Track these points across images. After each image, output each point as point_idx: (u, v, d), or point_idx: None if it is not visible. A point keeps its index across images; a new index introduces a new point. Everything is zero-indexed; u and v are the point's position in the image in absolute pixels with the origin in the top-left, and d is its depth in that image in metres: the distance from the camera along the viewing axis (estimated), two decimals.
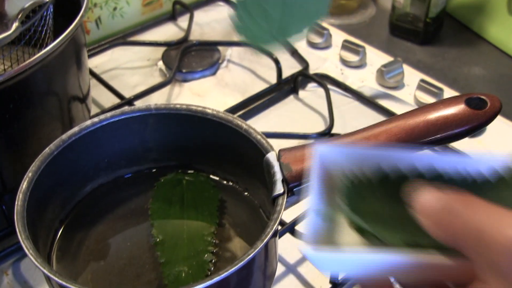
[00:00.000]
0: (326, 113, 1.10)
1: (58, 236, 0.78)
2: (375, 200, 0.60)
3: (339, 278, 0.83)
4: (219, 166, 0.84)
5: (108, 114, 0.78)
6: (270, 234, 0.64)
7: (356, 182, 0.61)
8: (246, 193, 0.82)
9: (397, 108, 1.11)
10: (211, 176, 0.85)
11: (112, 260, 0.77)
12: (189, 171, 0.85)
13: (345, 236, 0.57)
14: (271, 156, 0.71)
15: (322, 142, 0.63)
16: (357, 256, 0.51)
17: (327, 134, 1.02)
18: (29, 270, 0.86)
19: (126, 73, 1.21)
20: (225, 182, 0.85)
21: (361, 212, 0.59)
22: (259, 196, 0.80)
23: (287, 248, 0.86)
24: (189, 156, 0.84)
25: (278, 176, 0.69)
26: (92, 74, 1.15)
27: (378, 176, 0.61)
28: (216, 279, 0.60)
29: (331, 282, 0.83)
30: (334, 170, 0.62)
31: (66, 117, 0.90)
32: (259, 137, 0.74)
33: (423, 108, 0.71)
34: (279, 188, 0.68)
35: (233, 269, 0.61)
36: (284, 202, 0.67)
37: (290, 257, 0.87)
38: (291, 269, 0.86)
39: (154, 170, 0.86)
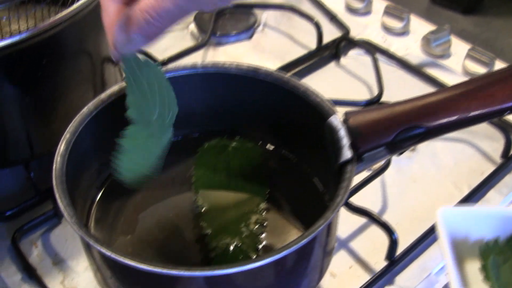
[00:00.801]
0: (370, 80, 1.04)
1: (95, 205, 0.72)
2: None
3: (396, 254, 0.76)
4: (269, 132, 0.77)
5: None
6: (341, 204, 0.57)
7: (491, 247, 0.57)
8: (298, 161, 0.76)
9: (445, 78, 1.04)
10: (259, 142, 0.78)
11: (153, 232, 0.71)
12: (236, 137, 0.78)
13: None
14: (335, 120, 0.64)
15: (448, 207, 0.58)
16: None
17: (376, 102, 0.95)
18: (60, 242, 0.80)
19: None
20: (274, 148, 0.78)
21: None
22: (314, 164, 0.73)
23: (339, 221, 0.79)
24: (235, 120, 0.78)
25: (345, 141, 0.62)
26: None
27: None
28: (289, 250, 0.55)
29: (387, 258, 0.76)
30: (464, 235, 0.58)
31: (99, 79, 0.85)
32: (318, 99, 0.68)
33: (495, 73, 0.65)
34: (347, 154, 0.61)
35: (302, 242, 0.55)
36: (354, 169, 0.60)
37: (342, 231, 0.81)
38: (343, 244, 0.80)
39: (197, 135, 0.80)
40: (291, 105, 0.71)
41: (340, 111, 0.66)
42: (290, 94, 0.70)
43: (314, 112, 0.68)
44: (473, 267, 0.60)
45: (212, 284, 0.57)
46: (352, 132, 0.62)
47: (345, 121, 0.63)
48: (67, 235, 0.80)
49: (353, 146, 0.62)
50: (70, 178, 0.63)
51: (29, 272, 0.76)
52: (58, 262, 0.78)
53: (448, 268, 0.54)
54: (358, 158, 0.62)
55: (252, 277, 0.58)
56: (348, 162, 0.61)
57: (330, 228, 0.62)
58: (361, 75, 1.06)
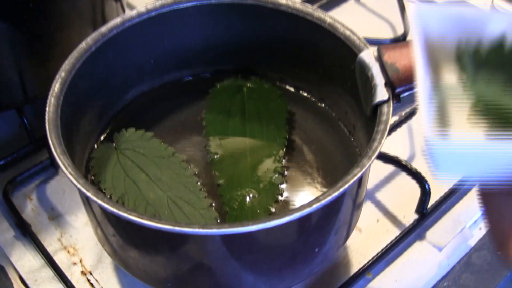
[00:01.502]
0: (392, 19, 0.96)
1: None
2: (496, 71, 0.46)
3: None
4: (289, 71, 0.70)
5: (157, 4, 0.63)
6: (378, 149, 0.50)
7: (470, 49, 0.47)
8: (321, 104, 0.68)
9: None
10: (277, 83, 0.71)
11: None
12: (251, 77, 0.70)
13: (465, 123, 0.43)
14: (367, 55, 0.56)
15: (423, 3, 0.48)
16: (486, 147, 0.37)
17: (402, 41, 0.87)
18: (57, 194, 0.73)
19: None
20: (294, 90, 0.71)
21: (481, 85, 0.45)
22: (340, 107, 0.66)
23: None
24: (251, 58, 0.70)
25: (379, 80, 0.54)
26: None
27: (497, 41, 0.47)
28: (311, 208, 0.47)
29: (417, 211, 0.69)
30: (440, 36, 0.48)
31: (99, 15, 0.76)
32: (348, 32, 0.60)
33: None
34: (383, 94, 0.53)
35: (335, 194, 0.47)
36: (391, 111, 0.53)
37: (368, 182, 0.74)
38: (369, 195, 0.73)
39: (208, 75, 0.72)
40: (315, 40, 0.63)
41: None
42: (315, 27, 0.62)
43: (342, 47, 0.60)
44: (451, 78, 0.49)
45: (229, 243, 0.49)
46: (388, 69, 0.54)
47: (379, 57, 0.55)
48: (64, 186, 0.73)
49: (389, 84, 0.54)
50: (67, 123, 0.56)
51: (23, 228, 0.69)
52: (55, 217, 0.71)
53: (417, 77, 0.45)
54: (395, 99, 0.54)
55: (274, 236, 0.50)
56: (384, 102, 0.53)
57: (362, 178, 0.54)
58: (382, 13, 0.98)
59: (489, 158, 0.37)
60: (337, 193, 0.47)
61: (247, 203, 0.60)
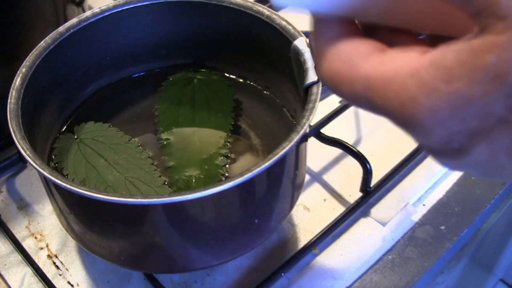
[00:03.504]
0: None
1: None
2: None
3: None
4: (235, 62, 0.75)
5: (111, 4, 0.69)
6: (306, 125, 0.55)
7: None
8: (266, 92, 0.73)
9: None
10: (225, 74, 0.76)
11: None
12: (202, 70, 0.75)
13: None
14: (300, 43, 0.61)
15: None
16: None
17: None
18: (25, 186, 0.77)
19: None
20: (241, 80, 0.76)
21: None
22: (283, 94, 0.71)
23: (311, 154, 0.77)
24: (202, 52, 0.75)
25: (310, 63, 0.59)
26: None
27: None
28: (243, 178, 0.51)
29: (362, 190, 0.74)
30: None
31: (61, 18, 0.82)
32: (284, 23, 0.65)
33: None
34: (312, 77, 0.59)
35: (265, 164, 0.52)
36: (320, 91, 0.58)
37: (315, 164, 0.79)
38: (316, 177, 0.78)
39: (160, 70, 0.77)
40: (256, 31, 0.69)
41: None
42: (255, 19, 0.67)
43: (280, 36, 0.65)
44: None
45: (171, 212, 0.54)
46: None
47: (311, 44, 0.60)
48: (32, 179, 0.78)
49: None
50: (29, 114, 0.61)
51: None
52: (23, 206, 0.76)
53: None
54: None
55: (212, 205, 0.55)
56: (314, 83, 0.58)
57: (297, 158, 0.60)
58: None
59: None
60: (266, 164, 0.52)
61: (193, 183, 0.65)
